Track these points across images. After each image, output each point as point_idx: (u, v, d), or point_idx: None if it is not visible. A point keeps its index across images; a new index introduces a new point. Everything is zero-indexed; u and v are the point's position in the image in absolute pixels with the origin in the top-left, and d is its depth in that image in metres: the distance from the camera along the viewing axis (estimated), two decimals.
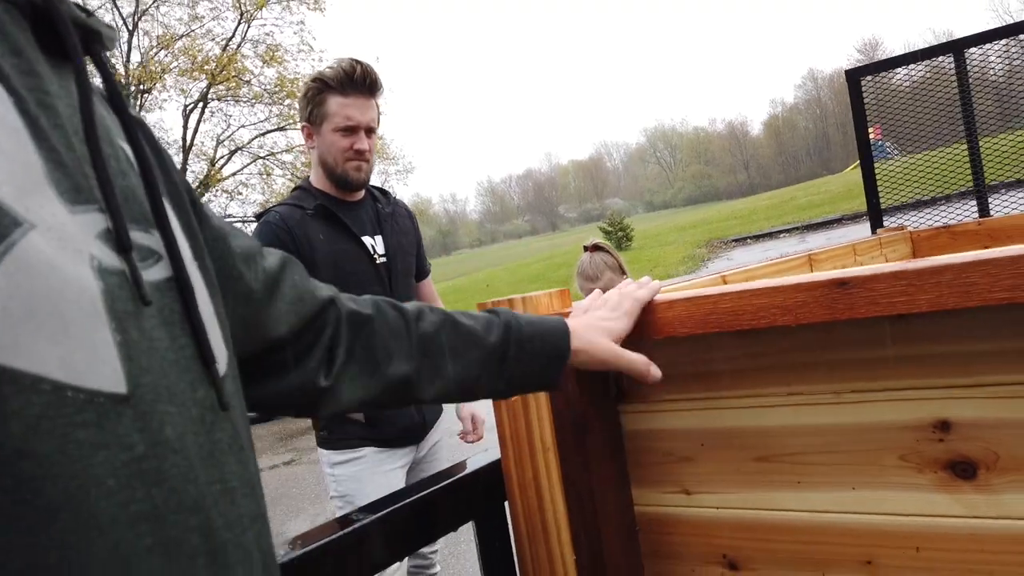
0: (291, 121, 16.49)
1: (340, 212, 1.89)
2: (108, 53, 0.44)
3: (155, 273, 0.40)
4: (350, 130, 1.85)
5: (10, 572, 0.29)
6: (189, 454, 0.37)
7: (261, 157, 16.85)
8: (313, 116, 1.85)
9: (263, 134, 16.74)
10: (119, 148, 0.43)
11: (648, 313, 0.91)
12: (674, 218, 54.27)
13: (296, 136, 16.72)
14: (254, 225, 1.90)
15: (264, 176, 17.04)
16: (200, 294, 0.44)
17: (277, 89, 16.10)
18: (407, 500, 0.98)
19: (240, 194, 16.87)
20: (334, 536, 0.90)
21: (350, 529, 0.91)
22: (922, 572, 0.85)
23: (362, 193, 1.98)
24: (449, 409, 2.15)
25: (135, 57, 15.52)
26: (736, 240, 20.62)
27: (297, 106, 1.97)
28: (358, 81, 1.82)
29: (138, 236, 0.40)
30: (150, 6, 15.59)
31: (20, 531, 0.29)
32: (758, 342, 0.92)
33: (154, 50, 15.57)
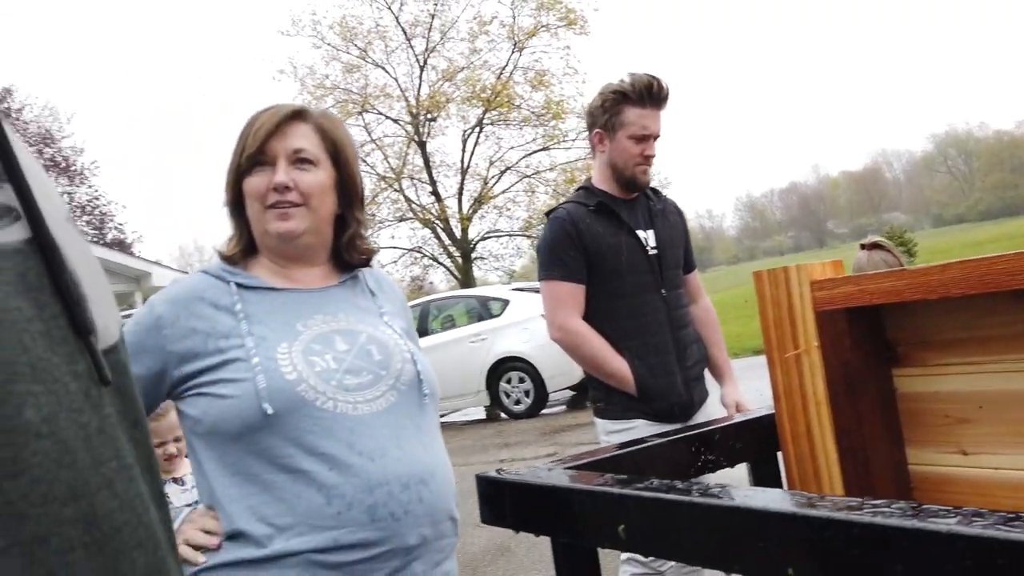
0: (555, 141, 17.43)
1: (618, 208, 2.12)
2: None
3: (11, 234, 0.36)
4: (643, 138, 2.08)
5: None
6: (63, 436, 0.33)
7: (527, 176, 18.01)
8: (608, 124, 2.10)
9: (529, 154, 17.90)
10: None
11: (922, 275, 0.99)
12: (968, 233, 47.79)
13: (559, 155, 17.63)
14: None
15: (529, 193, 18.20)
16: (72, 256, 0.39)
17: (544, 112, 17.13)
18: (690, 433, 1.15)
19: (509, 210, 18.17)
20: (620, 452, 1.10)
21: (639, 448, 1.11)
22: None
23: (637, 192, 2.19)
24: (714, 394, 2.27)
25: (424, 90, 17.50)
26: None
27: (587, 117, 2.23)
28: (655, 94, 2.05)
29: None
30: (438, 44, 17.50)
31: None
32: None
33: (440, 82, 17.42)
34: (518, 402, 9.03)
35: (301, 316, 1.16)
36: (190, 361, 1.09)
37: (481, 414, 9.82)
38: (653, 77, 2.07)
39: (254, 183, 1.17)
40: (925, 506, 0.60)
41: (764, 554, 0.64)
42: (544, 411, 9.06)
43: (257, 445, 1.04)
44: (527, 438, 7.66)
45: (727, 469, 1.19)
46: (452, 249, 18.11)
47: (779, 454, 1.21)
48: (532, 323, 8.89)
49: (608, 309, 2.08)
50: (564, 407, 9.56)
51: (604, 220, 2.10)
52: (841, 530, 0.59)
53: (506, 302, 9.31)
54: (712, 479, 0.96)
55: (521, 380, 8.99)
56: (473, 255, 18.18)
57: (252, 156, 1.16)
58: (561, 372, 8.75)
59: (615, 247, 2.08)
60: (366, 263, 1.32)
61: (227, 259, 1.21)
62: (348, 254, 1.27)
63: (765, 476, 1.23)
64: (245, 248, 1.22)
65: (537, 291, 9.16)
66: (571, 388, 9.42)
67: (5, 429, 0.31)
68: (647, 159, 2.11)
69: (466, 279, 17.47)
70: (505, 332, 9.06)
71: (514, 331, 9.01)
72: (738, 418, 1.22)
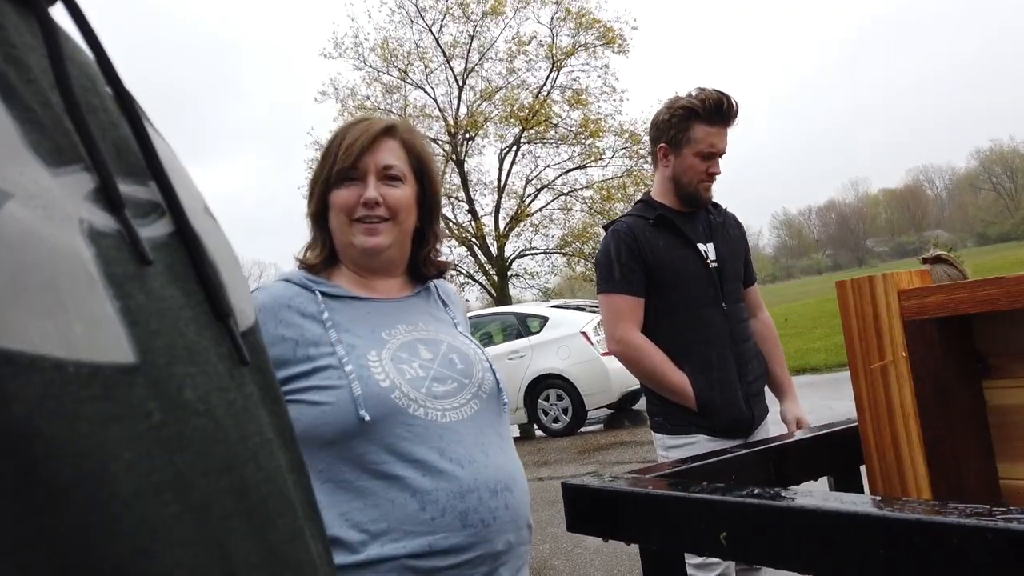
0: (592, 159, 17.45)
1: (678, 222, 2.12)
2: None
3: (159, 228, 0.38)
4: (710, 156, 2.08)
5: (34, 558, 0.29)
6: (216, 414, 0.36)
7: (564, 194, 18.04)
8: (675, 139, 2.10)
9: (566, 172, 17.95)
10: (106, 96, 0.40)
11: (1019, 284, 0.97)
12: (1015, 252, 46.57)
13: (596, 173, 17.65)
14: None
15: (565, 211, 18.23)
16: (211, 245, 0.41)
17: (581, 130, 17.17)
18: (770, 445, 1.14)
19: (545, 228, 18.21)
20: (705, 463, 1.09)
21: (721, 459, 1.10)
22: None
23: (699, 207, 2.18)
24: (774, 411, 2.23)
25: (462, 110, 17.69)
26: None
27: (652, 129, 2.23)
28: (724, 112, 2.04)
29: (135, 191, 0.38)
30: (476, 64, 17.70)
31: (37, 513, 0.29)
32: None
33: (478, 102, 17.60)
34: (556, 420, 9.00)
35: (384, 325, 1.18)
36: (279, 368, 1.10)
37: (516, 432, 9.79)
38: (723, 94, 2.06)
39: (343, 196, 1.19)
40: None
41: (884, 561, 0.63)
42: (582, 429, 9.00)
43: (351, 452, 1.05)
44: (565, 456, 7.62)
45: (810, 482, 1.17)
46: (488, 267, 18.18)
47: (862, 467, 1.18)
48: (571, 340, 8.87)
49: (668, 323, 2.07)
50: (601, 426, 9.49)
51: (664, 233, 2.10)
52: (973, 536, 0.58)
53: (545, 319, 9.30)
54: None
55: (559, 398, 8.95)
56: (509, 273, 18.22)
57: (343, 170, 1.19)
58: (600, 390, 8.71)
59: (675, 260, 2.07)
60: (440, 275, 1.35)
61: (309, 268, 1.24)
62: (425, 267, 1.30)
63: (847, 489, 1.21)
64: (327, 258, 1.24)
65: (576, 308, 9.10)
66: (609, 407, 9.36)
67: (171, 408, 0.34)
68: (711, 176, 2.10)
69: (501, 297, 17.51)
70: (544, 349, 9.05)
71: (553, 348, 8.99)
72: (819, 431, 1.20)
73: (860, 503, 0.67)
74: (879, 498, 0.78)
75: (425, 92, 18.03)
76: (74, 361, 0.31)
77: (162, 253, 0.37)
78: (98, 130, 0.37)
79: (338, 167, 1.19)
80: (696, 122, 2.05)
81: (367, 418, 1.04)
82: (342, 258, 1.24)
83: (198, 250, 0.39)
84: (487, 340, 10.12)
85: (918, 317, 1.07)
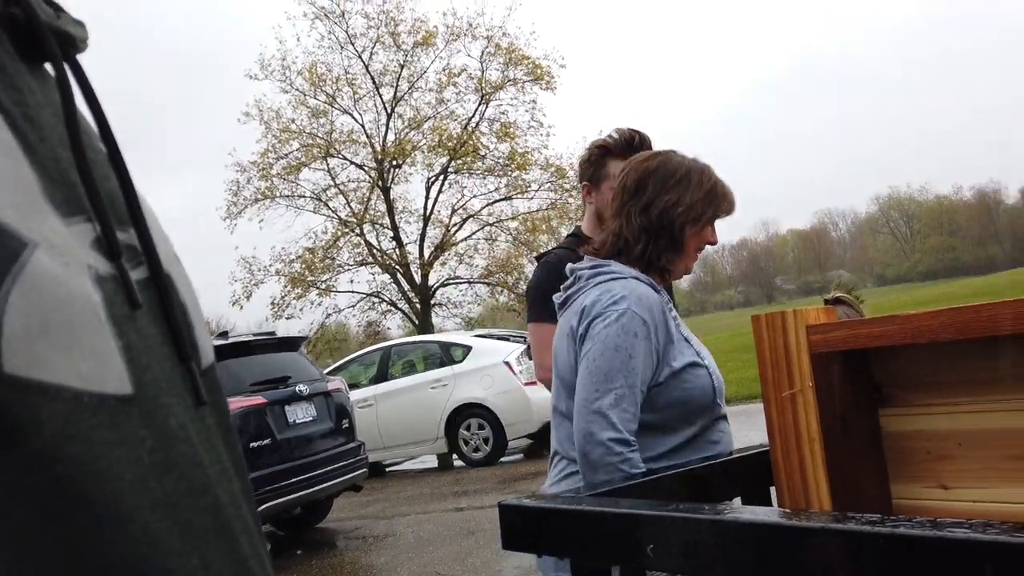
0: (518, 191, 17.71)
1: None
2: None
3: (141, 273, 0.42)
4: None
5: (57, 558, 0.34)
6: (193, 440, 0.40)
7: (489, 224, 18.20)
8: (594, 176, 2.21)
9: (492, 203, 18.13)
10: (98, 151, 0.44)
11: (913, 320, 1.09)
12: (910, 292, 49.60)
13: (521, 204, 17.91)
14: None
15: (490, 242, 18.38)
16: (182, 289, 0.46)
17: (508, 162, 17.43)
18: (690, 468, 1.22)
19: (469, 258, 18.28)
20: (632, 483, 1.16)
21: (646, 480, 1.17)
22: None
23: None
24: None
25: (390, 137, 17.67)
26: None
27: (578, 169, 2.35)
28: (636, 147, 2.16)
29: (122, 237, 0.42)
30: (406, 93, 17.77)
31: (59, 521, 0.33)
32: (1015, 351, 1.06)
33: (406, 130, 17.63)
34: (477, 449, 8.99)
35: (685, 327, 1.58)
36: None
37: (434, 462, 9.71)
38: (636, 131, 2.19)
39: (710, 235, 1.55)
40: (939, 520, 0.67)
41: (798, 569, 0.70)
42: (502, 459, 9.02)
43: None
44: (485, 486, 7.61)
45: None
46: (411, 295, 18.08)
47: (772, 489, 1.28)
48: (494, 370, 8.91)
49: None
50: (522, 455, 9.54)
51: None
52: (877, 541, 0.66)
53: (468, 348, 9.32)
54: None
55: (481, 427, 8.96)
56: (432, 301, 18.17)
57: (722, 216, 1.55)
58: (522, 420, 8.77)
59: None
60: None
61: (646, 270, 1.53)
62: None
63: None
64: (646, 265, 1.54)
65: (500, 338, 9.12)
66: (529, 436, 9.42)
67: (160, 434, 0.38)
68: None
69: (424, 325, 17.43)
70: (466, 378, 9.06)
71: (476, 377, 9.01)
72: (734, 454, 1.29)
73: (772, 515, 0.75)
74: (787, 510, 0.86)
75: (353, 118, 17.95)
76: (87, 392, 0.35)
77: (145, 295, 0.42)
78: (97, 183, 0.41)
79: (724, 211, 1.54)
80: (610, 158, 2.17)
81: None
82: (658, 271, 1.54)
83: (171, 293, 0.44)
84: (409, 368, 10.05)
85: (824, 350, 1.18)
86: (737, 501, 1.29)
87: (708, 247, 1.59)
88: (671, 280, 1.64)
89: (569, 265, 1.65)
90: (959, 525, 0.64)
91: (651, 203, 1.52)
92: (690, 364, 1.47)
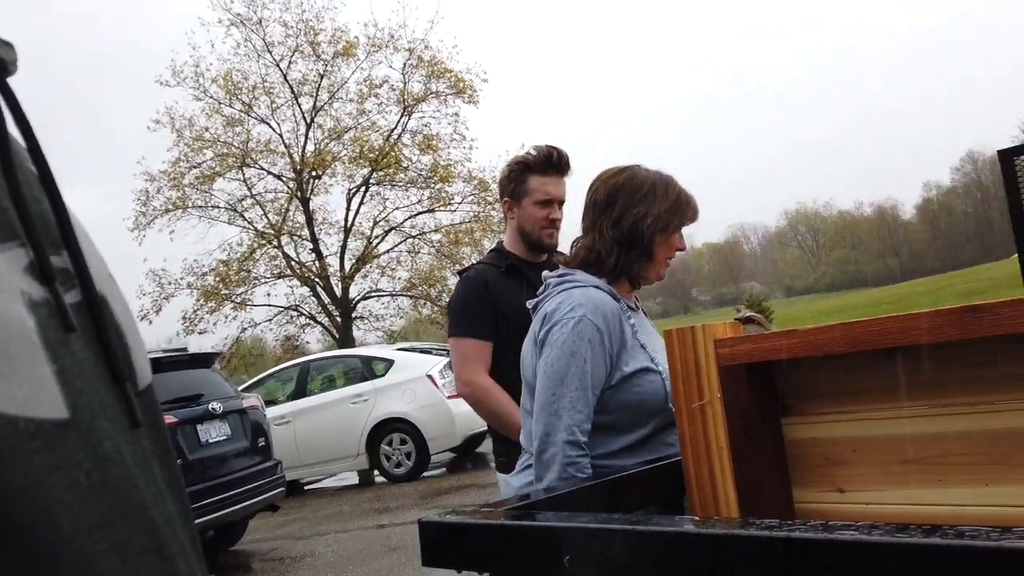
0: (441, 204, 17.67)
1: (527, 271, 2.25)
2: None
3: (75, 296, 0.42)
4: (547, 203, 2.22)
5: None
6: (128, 463, 0.41)
7: (412, 236, 18.07)
8: (515, 192, 2.24)
9: (414, 215, 18.02)
10: (28, 172, 0.44)
11: (810, 335, 1.16)
12: (816, 303, 52.05)
13: (444, 217, 17.87)
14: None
15: (412, 254, 18.25)
16: (117, 310, 0.46)
17: (431, 174, 17.37)
18: (607, 479, 1.25)
19: (392, 270, 18.08)
20: (550, 496, 1.18)
21: (563, 492, 1.20)
22: None
23: (546, 255, 2.33)
24: None
25: (310, 147, 17.34)
26: None
27: (498, 187, 2.38)
28: (555, 162, 2.21)
29: (56, 261, 0.42)
30: (326, 103, 17.48)
31: (4, 549, 0.34)
32: (903, 362, 1.14)
33: (326, 141, 17.34)
34: (399, 464, 8.88)
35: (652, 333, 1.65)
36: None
37: (355, 479, 9.55)
38: (553, 147, 2.25)
39: (678, 242, 1.62)
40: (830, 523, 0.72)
41: (709, 571, 0.74)
42: (425, 474, 8.94)
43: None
44: (407, 502, 7.53)
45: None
46: (332, 308, 17.74)
47: (684, 497, 1.33)
48: (416, 384, 8.83)
49: (515, 366, 2.17)
50: (444, 469, 9.48)
51: (513, 281, 2.22)
52: (775, 545, 0.70)
53: (391, 362, 9.21)
54: None
55: (403, 442, 8.86)
56: (353, 315, 17.88)
57: (687, 223, 1.63)
58: (444, 434, 8.71)
59: (523, 307, 2.20)
60: None
61: (606, 278, 1.58)
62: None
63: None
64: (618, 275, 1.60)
65: (423, 351, 9.06)
66: (452, 450, 9.38)
67: (96, 458, 0.39)
68: (552, 223, 2.25)
69: (344, 339, 17.12)
70: (388, 393, 8.94)
71: (398, 392, 8.91)
72: (649, 465, 1.33)
73: (681, 523, 0.78)
74: (696, 518, 0.90)
75: (270, 127, 17.52)
76: (23, 417, 0.36)
77: (79, 319, 0.42)
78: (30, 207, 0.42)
79: (689, 219, 1.62)
80: (530, 174, 2.22)
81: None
82: (630, 279, 1.63)
83: (105, 315, 0.44)
84: (329, 384, 9.85)
85: (730, 363, 1.24)
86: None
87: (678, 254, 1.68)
88: (644, 286, 1.72)
89: (544, 272, 1.74)
90: (849, 527, 0.69)
91: (622, 216, 1.58)
92: (642, 369, 1.54)
